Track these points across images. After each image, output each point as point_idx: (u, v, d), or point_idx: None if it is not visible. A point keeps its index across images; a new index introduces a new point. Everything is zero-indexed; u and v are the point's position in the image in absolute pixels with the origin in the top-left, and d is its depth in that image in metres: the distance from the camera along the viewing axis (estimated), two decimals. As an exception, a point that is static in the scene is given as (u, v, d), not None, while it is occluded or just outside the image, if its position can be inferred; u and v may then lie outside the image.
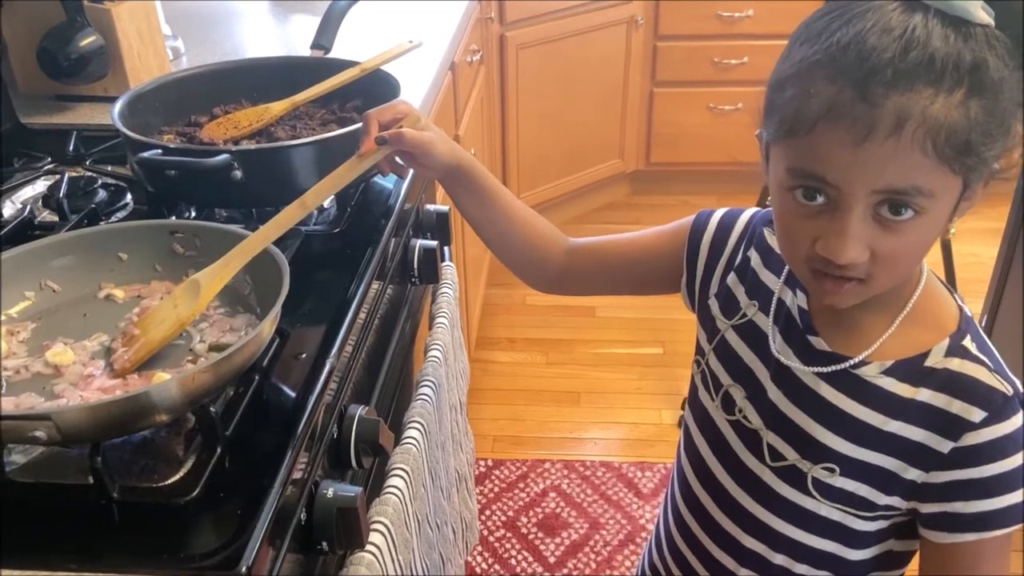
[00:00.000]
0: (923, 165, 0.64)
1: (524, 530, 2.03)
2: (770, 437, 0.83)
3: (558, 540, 2.00)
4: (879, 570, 0.85)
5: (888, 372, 0.77)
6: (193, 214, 1.13)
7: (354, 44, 1.49)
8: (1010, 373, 0.76)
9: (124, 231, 0.96)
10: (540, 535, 2.02)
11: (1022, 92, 0.66)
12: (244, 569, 0.64)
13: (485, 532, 2.02)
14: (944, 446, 0.75)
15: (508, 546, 1.99)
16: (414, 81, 1.54)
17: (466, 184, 0.91)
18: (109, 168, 1.25)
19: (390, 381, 1.13)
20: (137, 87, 1.21)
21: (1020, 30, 0.70)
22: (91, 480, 0.70)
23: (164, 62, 1.59)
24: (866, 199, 0.66)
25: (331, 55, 1.36)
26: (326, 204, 1.16)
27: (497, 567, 1.95)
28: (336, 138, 1.07)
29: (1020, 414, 0.74)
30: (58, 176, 1.20)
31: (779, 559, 0.86)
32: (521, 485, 2.14)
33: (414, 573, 0.93)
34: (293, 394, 0.82)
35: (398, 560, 0.86)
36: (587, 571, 1.93)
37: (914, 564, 0.84)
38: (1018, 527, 0.75)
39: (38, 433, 0.66)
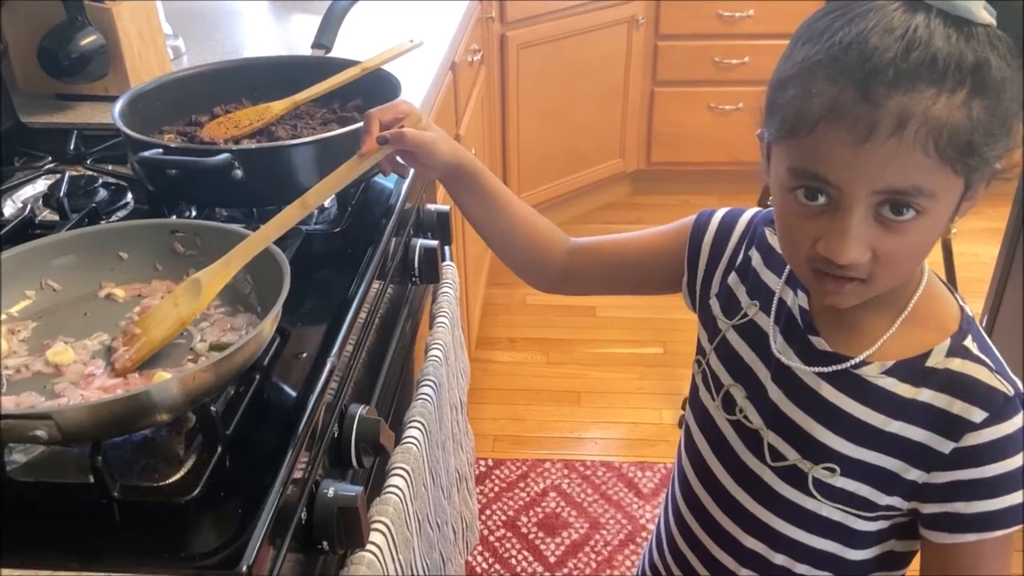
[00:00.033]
0: (925, 165, 0.64)
1: (524, 530, 2.03)
2: (771, 437, 0.83)
3: (558, 540, 2.00)
4: (880, 570, 0.85)
5: (889, 372, 0.77)
6: (194, 213, 1.13)
7: (355, 43, 1.49)
8: (1011, 373, 0.76)
9: (125, 230, 0.96)
10: (540, 535, 2.02)
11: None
12: (245, 568, 0.64)
13: (485, 532, 2.02)
14: (945, 446, 0.75)
15: (508, 546, 1.99)
16: (415, 81, 1.54)
17: (467, 184, 0.91)
18: (110, 167, 1.25)
19: (391, 380, 1.13)
20: (138, 86, 1.21)
21: (1021, 30, 0.70)
22: (92, 479, 0.70)
23: (165, 61, 1.59)
24: (867, 199, 0.66)
25: (332, 54, 1.37)
26: (327, 203, 1.16)
27: (497, 567, 1.95)
28: (337, 137, 1.07)
29: (1021, 414, 0.74)
30: (59, 175, 1.20)
31: (779, 559, 0.86)
32: (521, 485, 2.14)
33: (415, 572, 0.93)
34: (294, 393, 0.82)
35: (398, 559, 0.86)
36: (587, 571, 1.93)
37: (915, 564, 0.84)
38: (1019, 527, 0.75)
39: (39, 432, 0.66)
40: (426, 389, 1.09)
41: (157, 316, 0.84)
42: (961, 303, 0.79)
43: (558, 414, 2.37)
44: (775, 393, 0.82)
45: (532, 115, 2.83)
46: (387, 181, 1.23)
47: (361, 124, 0.89)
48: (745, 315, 0.86)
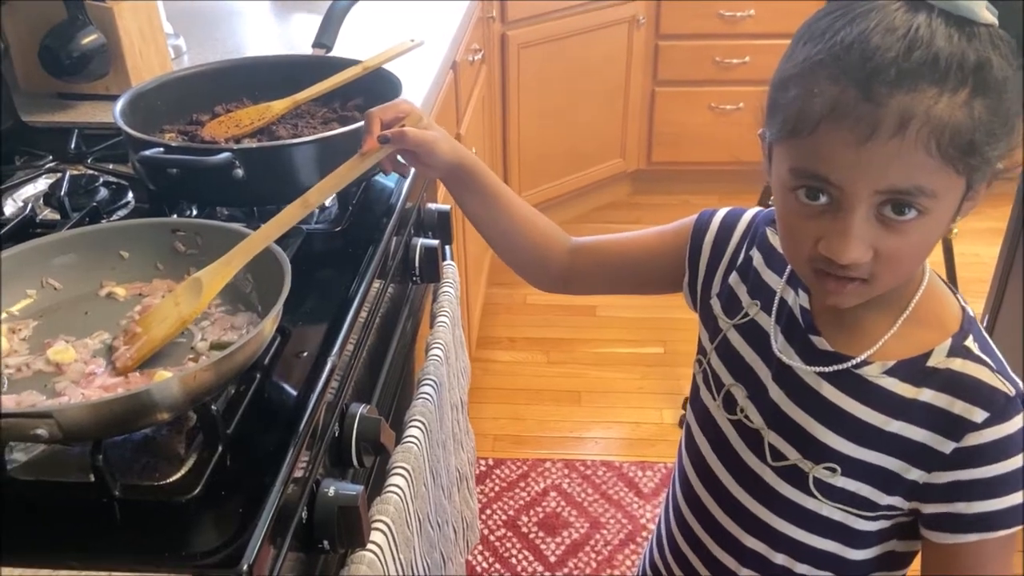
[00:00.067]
0: (926, 165, 0.64)
1: (525, 529, 2.03)
2: (771, 437, 0.83)
3: (559, 539, 2.00)
4: (881, 570, 0.85)
5: (890, 372, 0.76)
6: (195, 212, 1.13)
7: (356, 43, 1.49)
8: (1012, 373, 0.76)
9: (125, 229, 0.96)
10: (541, 534, 2.02)
11: (1024, 92, 0.66)
12: (245, 567, 0.64)
13: (486, 531, 2.02)
14: (946, 446, 0.75)
15: (509, 545, 1.99)
16: (416, 80, 1.54)
17: (468, 183, 0.91)
18: (111, 166, 1.25)
19: (391, 380, 1.13)
20: (139, 85, 1.21)
21: (1022, 30, 0.70)
22: (92, 478, 0.70)
23: (166, 60, 1.59)
24: (869, 199, 0.66)
25: (333, 54, 1.36)
26: (328, 203, 1.16)
27: (498, 566, 1.95)
28: (338, 137, 1.07)
29: (1022, 415, 0.74)
30: (60, 174, 1.20)
31: (780, 559, 0.86)
32: (522, 484, 2.14)
33: (415, 572, 0.93)
34: (294, 393, 0.82)
35: (399, 559, 0.86)
36: (588, 570, 1.93)
37: (916, 564, 0.84)
38: (1020, 527, 0.75)
39: (39, 431, 0.66)
40: (427, 388, 1.09)
41: (158, 315, 0.84)
42: (962, 303, 0.79)
43: (558, 414, 2.37)
44: (776, 393, 0.82)
45: (533, 115, 2.83)
46: (388, 180, 1.23)
47: (362, 123, 0.89)
48: (746, 315, 0.86)
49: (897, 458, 0.77)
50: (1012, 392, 0.74)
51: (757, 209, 0.90)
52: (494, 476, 2.16)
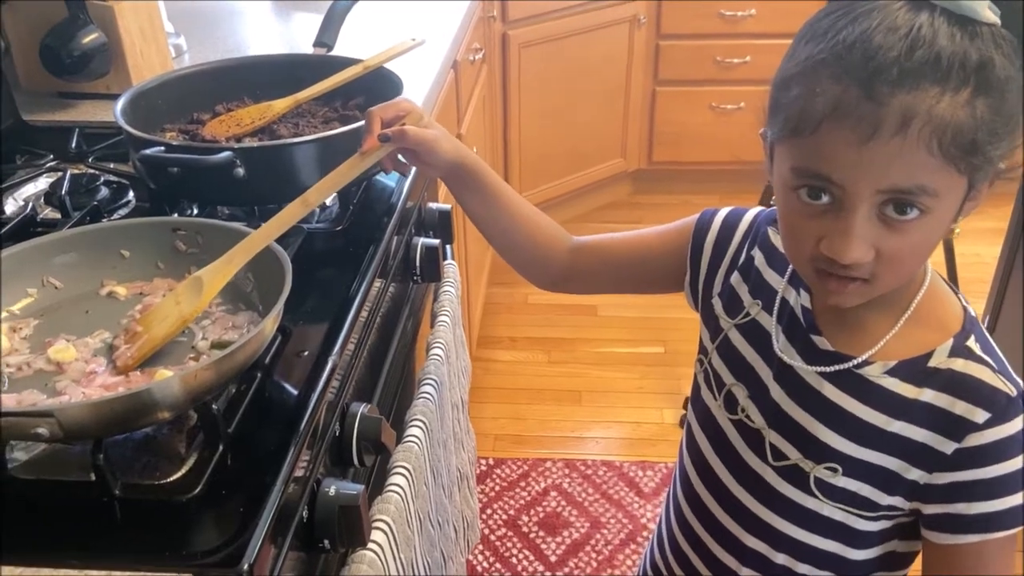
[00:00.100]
0: (928, 164, 0.64)
1: (525, 529, 2.03)
2: (772, 436, 0.83)
3: (559, 539, 2.00)
4: (882, 570, 0.85)
5: (891, 372, 0.76)
6: (195, 211, 1.13)
7: (356, 42, 1.49)
8: (1014, 374, 0.76)
9: (126, 228, 0.96)
10: (541, 534, 2.02)
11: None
12: (246, 567, 0.64)
13: (486, 531, 2.02)
14: (947, 447, 0.74)
15: (509, 545, 1.99)
16: (416, 79, 1.54)
17: (469, 182, 0.91)
18: (111, 165, 1.25)
19: (392, 379, 1.13)
20: (139, 84, 1.21)
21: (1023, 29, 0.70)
22: (93, 477, 0.70)
23: (166, 59, 1.59)
24: (871, 199, 0.66)
25: (333, 53, 1.36)
26: (328, 202, 1.16)
27: (498, 566, 1.95)
28: (338, 136, 1.07)
29: (1023, 415, 0.74)
30: (60, 173, 1.20)
31: (781, 559, 0.86)
32: (522, 484, 2.14)
33: (416, 571, 0.93)
34: (295, 392, 0.82)
35: (400, 558, 0.86)
36: (588, 570, 1.93)
37: (916, 564, 0.84)
38: (1021, 528, 0.75)
39: (40, 430, 0.66)
40: (427, 388, 1.09)
41: (159, 314, 0.84)
42: (964, 303, 0.79)
43: (559, 413, 2.37)
44: (777, 392, 0.82)
45: (533, 114, 2.83)
46: (388, 179, 1.22)
47: (363, 122, 0.89)
48: (747, 314, 0.86)
49: (898, 458, 0.77)
50: (1014, 393, 0.74)
51: (759, 209, 0.90)
52: (495, 475, 2.16)
